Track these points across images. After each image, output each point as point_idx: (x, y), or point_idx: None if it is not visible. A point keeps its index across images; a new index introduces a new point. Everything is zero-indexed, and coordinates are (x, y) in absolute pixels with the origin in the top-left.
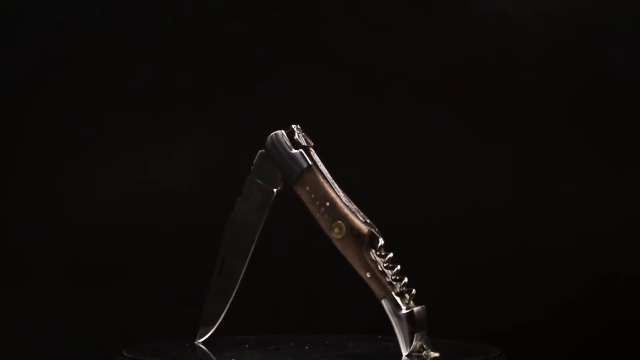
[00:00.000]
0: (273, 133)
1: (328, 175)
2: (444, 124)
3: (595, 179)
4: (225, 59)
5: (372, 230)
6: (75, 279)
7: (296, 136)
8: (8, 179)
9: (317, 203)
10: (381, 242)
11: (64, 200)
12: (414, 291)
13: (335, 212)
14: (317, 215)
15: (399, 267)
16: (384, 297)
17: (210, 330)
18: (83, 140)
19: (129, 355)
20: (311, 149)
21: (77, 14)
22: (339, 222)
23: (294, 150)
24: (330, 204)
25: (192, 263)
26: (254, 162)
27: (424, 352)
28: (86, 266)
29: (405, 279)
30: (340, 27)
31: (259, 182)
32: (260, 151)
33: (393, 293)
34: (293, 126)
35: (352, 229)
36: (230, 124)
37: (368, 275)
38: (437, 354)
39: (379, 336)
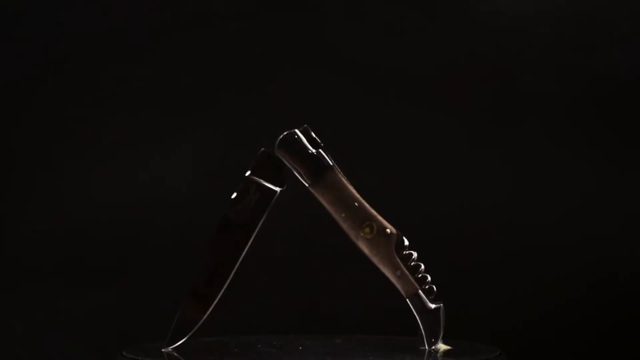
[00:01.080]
0: (288, 132)
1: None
2: (444, 124)
3: (595, 179)
4: (225, 59)
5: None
6: (75, 279)
7: (312, 135)
8: (8, 179)
9: (345, 203)
10: (406, 242)
11: (64, 200)
12: (435, 289)
13: (364, 212)
14: (343, 215)
15: (422, 266)
16: (413, 294)
17: (183, 337)
18: (83, 140)
19: (129, 355)
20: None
21: (77, 14)
22: (370, 222)
23: (313, 150)
24: (358, 204)
25: (192, 263)
26: (255, 160)
27: (433, 347)
28: (86, 266)
29: (429, 277)
30: (340, 27)
31: (260, 181)
32: (262, 149)
33: (420, 291)
34: (305, 125)
35: (384, 229)
36: (230, 124)
37: (398, 273)
38: (448, 347)
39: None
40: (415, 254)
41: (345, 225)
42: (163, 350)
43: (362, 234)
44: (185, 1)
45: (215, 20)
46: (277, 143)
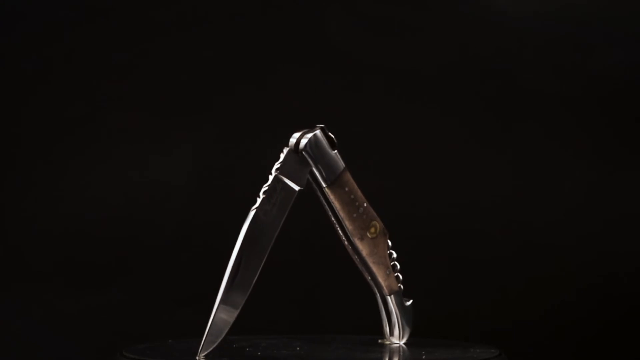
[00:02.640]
0: (313, 133)
1: None
2: (444, 124)
3: (595, 179)
4: (225, 59)
5: None
6: (76, 278)
7: (330, 135)
8: (8, 179)
9: (357, 204)
10: (389, 242)
11: (64, 200)
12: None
13: (371, 213)
14: (354, 215)
15: (398, 265)
16: (395, 292)
17: (214, 344)
18: (83, 139)
19: (129, 355)
20: None
21: (77, 13)
22: (375, 221)
23: (331, 151)
24: (366, 204)
25: (193, 263)
26: (282, 159)
27: (381, 340)
28: (86, 266)
29: (401, 276)
30: (340, 27)
31: (285, 180)
32: (287, 149)
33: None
34: (322, 126)
35: (383, 228)
36: (230, 124)
37: (387, 272)
38: (386, 341)
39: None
40: (394, 254)
41: (354, 225)
42: (197, 358)
43: (368, 233)
44: (185, 1)
45: (215, 20)
46: (305, 143)
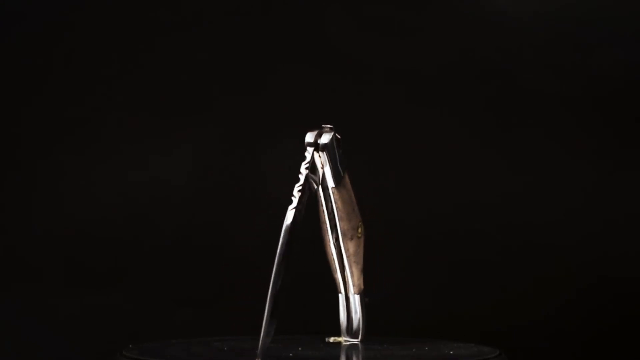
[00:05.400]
0: (331, 133)
1: None
2: (444, 124)
3: (595, 179)
4: (225, 58)
5: None
6: (76, 278)
7: (337, 136)
8: (8, 179)
9: (353, 203)
10: None
11: (64, 200)
12: None
13: (359, 213)
14: (351, 215)
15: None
16: (362, 291)
17: (267, 344)
18: (83, 140)
19: (129, 355)
20: None
21: (77, 13)
22: (361, 221)
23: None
24: (357, 205)
25: (193, 263)
26: (309, 159)
27: (329, 338)
28: (86, 266)
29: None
30: (339, 26)
31: (311, 180)
32: (311, 149)
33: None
34: (331, 126)
35: (364, 229)
36: (231, 124)
37: (362, 271)
38: (340, 339)
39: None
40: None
41: (349, 225)
42: None
43: (357, 233)
44: (185, 1)
45: (215, 20)
46: (326, 143)
